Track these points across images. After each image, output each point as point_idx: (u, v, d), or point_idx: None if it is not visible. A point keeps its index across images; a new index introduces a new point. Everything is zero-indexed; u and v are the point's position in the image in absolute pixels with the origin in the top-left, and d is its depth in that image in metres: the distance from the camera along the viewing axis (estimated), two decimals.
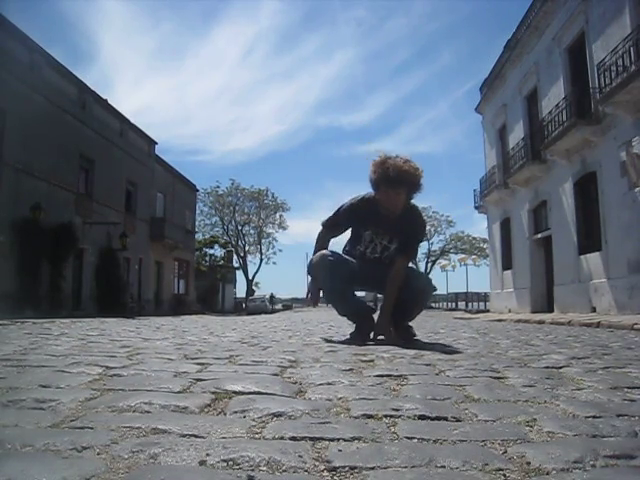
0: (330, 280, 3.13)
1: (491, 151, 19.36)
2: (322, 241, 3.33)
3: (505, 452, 0.89)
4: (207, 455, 0.83)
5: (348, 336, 3.33)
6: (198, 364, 1.89)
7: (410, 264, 3.42)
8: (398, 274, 3.12)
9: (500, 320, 10.23)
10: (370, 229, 3.15)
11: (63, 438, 0.90)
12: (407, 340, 3.09)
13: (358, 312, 3.31)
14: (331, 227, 3.32)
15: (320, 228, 3.40)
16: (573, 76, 12.79)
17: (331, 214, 3.31)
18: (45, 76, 15.78)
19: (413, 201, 3.19)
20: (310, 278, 3.41)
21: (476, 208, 21.03)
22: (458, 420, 1.10)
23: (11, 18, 14.17)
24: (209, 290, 36.27)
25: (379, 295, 3.73)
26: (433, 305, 43.48)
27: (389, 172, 2.87)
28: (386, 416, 1.11)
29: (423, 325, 6.35)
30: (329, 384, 1.49)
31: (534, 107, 15.25)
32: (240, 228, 43.68)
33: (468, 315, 15.71)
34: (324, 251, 3.20)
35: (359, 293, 3.81)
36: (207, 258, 40.67)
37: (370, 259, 3.22)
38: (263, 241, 44.67)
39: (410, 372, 1.71)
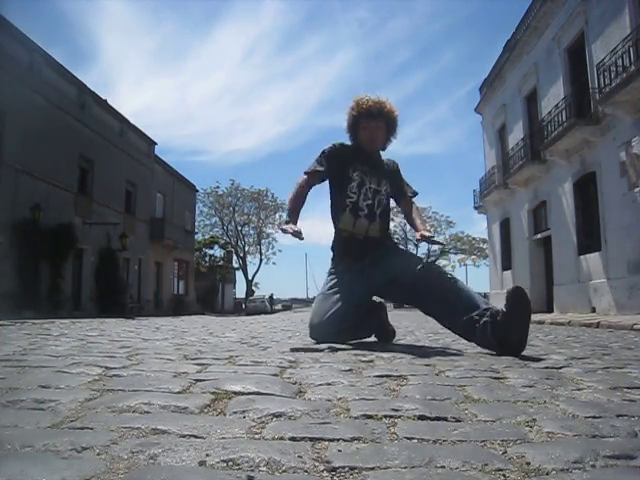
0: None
1: (491, 151, 19.36)
2: (299, 190, 2.96)
3: (505, 452, 0.89)
4: (207, 455, 0.82)
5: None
6: (198, 364, 1.89)
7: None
8: (418, 211, 3.12)
9: None
10: (358, 169, 2.98)
11: (63, 438, 0.89)
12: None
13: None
14: (313, 173, 3.01)
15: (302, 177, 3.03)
16: (572, 76, 12.79)
17: (314, 161, 3.05)
18: (45, 77, 15.78)
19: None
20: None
21: (476, 208, 21.04)
22: (458, 420, 1.10)
23: (11, 18, 14.19)
24: (209, 290, 36.24)
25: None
26: None
27: (369, 105, 2.92)
28: (386, 416, 1.11)
29: (423, 325, 6.34)
30: (329, 384, 1.48)
31: (534, 107, 15.25)
32: (240, 228, 43.67)
33: None
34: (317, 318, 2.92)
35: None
36: (207, 258, 40.64)
37: (363, 211, 2.96)
38: (263, 241, 44.67)
39: (410, 372, 1.71)
